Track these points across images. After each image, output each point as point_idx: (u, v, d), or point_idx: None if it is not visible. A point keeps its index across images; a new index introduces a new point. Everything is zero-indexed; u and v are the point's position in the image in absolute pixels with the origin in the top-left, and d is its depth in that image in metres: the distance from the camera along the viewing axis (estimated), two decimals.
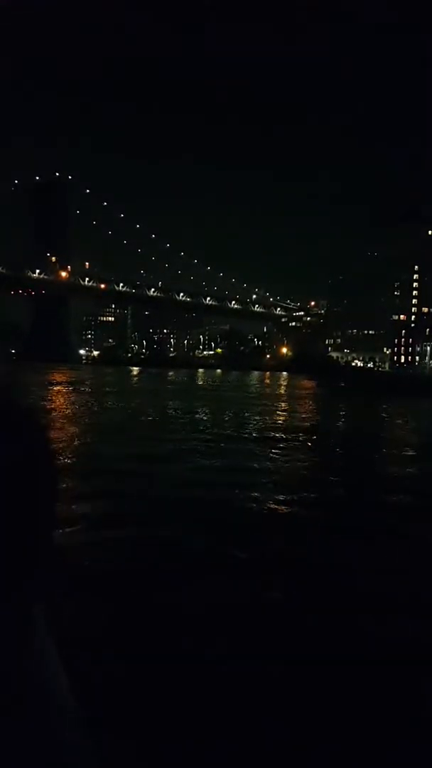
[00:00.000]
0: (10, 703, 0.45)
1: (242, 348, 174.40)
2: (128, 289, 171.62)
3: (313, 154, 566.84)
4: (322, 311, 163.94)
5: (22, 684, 0.46)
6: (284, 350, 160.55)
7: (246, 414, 24.91)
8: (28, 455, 0.46)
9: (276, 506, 8.98)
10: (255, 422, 21.87)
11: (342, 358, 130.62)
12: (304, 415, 27.21)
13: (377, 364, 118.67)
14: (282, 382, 74.01)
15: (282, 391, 50.37)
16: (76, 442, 14.65)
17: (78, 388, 40.20)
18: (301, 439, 17.67)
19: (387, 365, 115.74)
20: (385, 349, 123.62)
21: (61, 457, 11.74)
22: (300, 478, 11.68)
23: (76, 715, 0.50)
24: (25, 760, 0.44)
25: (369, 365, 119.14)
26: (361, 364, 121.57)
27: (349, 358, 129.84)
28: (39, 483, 0.46)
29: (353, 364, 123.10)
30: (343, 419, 27.94)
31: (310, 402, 38.89)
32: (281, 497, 9.53)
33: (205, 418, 22.94)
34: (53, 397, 29.35)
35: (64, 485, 9.18)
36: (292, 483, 10.97)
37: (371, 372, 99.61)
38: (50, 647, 0.51)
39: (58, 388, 38.93)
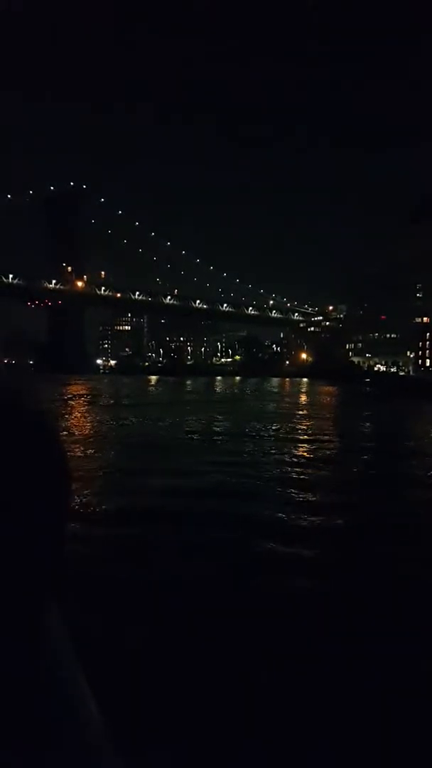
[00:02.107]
0: (21, 711, 0.44)
1: (260, 354, 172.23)
2: (144, 298, 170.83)
3: (329, 157, 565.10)
4: (341, 315, 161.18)
5: (33, 691, 0.45)
6: (303, 356, 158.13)
7: (275, 427, 22.95)
8: (41, 458, 0.46)
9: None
10: (288, 439, 19.86)
11: (363, 362, 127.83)
12: (334, 430, 25.13)
13: (400, 368, 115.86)
14: (303, 389, 71.79)
15: (305, 399, 48.21)
16: (98, 469, 12.81)
17: (96, 401, 38.59)
18: (339, 462, 15.64)
19: (411, 369, 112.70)
20: (408, 353, 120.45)
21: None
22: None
23: (94, 722, 0.49)
24: None
25: (392, 369, 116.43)
26: (384, 369, 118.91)
27: (371, 362, 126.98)
28: (52, 484, 0.47)
29: (375, 368, 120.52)
30: (375, 428, 25.82)
31: (337, 411, 36.80)
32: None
33: (236, 439, 20.93)
34: (71, 413, 27.69)
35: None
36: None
37: (396, 377, 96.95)
38: (66, 651, 0.51)
39: (76, 402, 37.37)
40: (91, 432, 19.92)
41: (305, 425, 24.27)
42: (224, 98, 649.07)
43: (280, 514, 9.13)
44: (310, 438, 19.62)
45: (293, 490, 11.08)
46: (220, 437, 19.86)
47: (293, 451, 16.57)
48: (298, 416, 29.19)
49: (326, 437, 20.33)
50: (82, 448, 15.48)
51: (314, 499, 10.51)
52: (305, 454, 16.21)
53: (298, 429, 22.60)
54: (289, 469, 13.62)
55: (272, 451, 16.32)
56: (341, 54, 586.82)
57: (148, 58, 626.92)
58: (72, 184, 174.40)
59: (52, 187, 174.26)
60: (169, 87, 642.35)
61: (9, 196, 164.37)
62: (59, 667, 0.49)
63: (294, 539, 7.81)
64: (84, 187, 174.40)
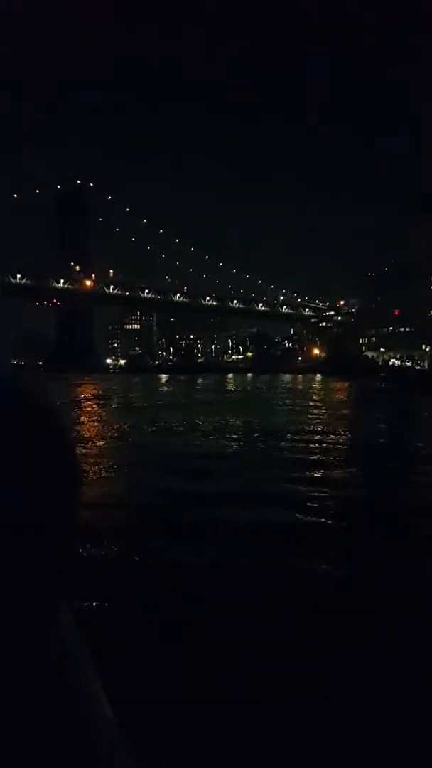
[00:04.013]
0: (32, 708, 0.44)
1: (271, 351, 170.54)
2: (153, 296, 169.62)
3: (336, 147, 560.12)
4: (353, 310, 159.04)
5: (43, 692, 0.45)
6: (316, 351, 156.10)
7: (297, 429, 21.31)
8: (51, 455, 0.46)
9: None
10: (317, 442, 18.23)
11: (377, 357, 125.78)
12: (358, 433, 23.40)
13: (416, 362, 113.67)
14: (317, 386, 69.87)
15: (321, 398, 46.36)
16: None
17: (108, 403, 37.09)
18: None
19: (426, 363, 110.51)
20: (423, 346, 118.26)
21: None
22: None
23: (106, 720, 0.49)
24: None
25: (407, 363, 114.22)
26: (399, 363, 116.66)
27: (386, 357, 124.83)
28: (61, 481, 0.47)
29: (390, 363, 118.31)
30: (400, 431, 24.18)
31: (357, 411, 35.05)
32: None
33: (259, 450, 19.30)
34: (83, 419, 26.17)
35: None
36: None
37: (413, 371, 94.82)
38: (78, 649, 0.50)
39: (87, 404, 35.91)
40: (107, 441, 18.30)
41: (329, 428, 22.57)
42: (229, 96, 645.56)
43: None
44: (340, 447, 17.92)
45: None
46: (247, 440, 18.23)
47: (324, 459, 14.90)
48: (320, 418, 27.46)
49: (352, 443, 18.69)
50: (99, 463, 13.82)
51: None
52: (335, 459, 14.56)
53: (322, 433, 20.89)
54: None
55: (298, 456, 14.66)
56: (343, 51, 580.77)
57: (151, 56, 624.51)
58: (79, 182, 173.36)
59: (59, 186, 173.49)
60: (176, 84, 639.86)
61: (15, 195, 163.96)
62: (70, 664, 0.49)
63: None
64: (91, 185, 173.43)
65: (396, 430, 23.03)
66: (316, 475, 12.20)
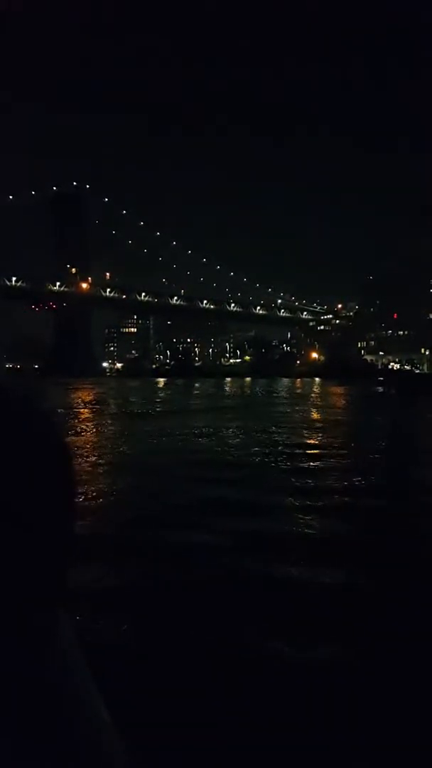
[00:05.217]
0: (30, 717, 0.43)
1: (270, 354, 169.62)
2: (150, 299, 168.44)
3: (337, 148, 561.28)
4: (352, 313, 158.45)
5: (44, 700, 0.45)
6: (314, 355, 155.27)
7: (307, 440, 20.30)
8: (46, 461, 0.46)
9: None
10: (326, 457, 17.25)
11: (377, 361, 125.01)
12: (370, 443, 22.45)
13: (415, 365, 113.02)
14: (318, 390, 69.02)
15: (323, 403, 45.43)
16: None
17: (105, 409, 35.98)
18: None
19: (426, 366, 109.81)
20: (422, 350, 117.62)
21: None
22: None
23: (104, 727, 0.49)
24: None
25: (406, 367, 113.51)
26: (398, 367, 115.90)
27: (384, 360, 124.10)
28: (58, 489, 0.47)
29: (389, 366, 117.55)
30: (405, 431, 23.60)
31: (365, 414, 34.16)
32: None
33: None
34: (79, 428, 25.05)
35: None
36: None
37: (413, 375, 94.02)
38: (77, 659, 0.50)
39: (82, 411, 34.79)
40: (106, 451, 17.19)
41: (339, 434, 21.57)
42: (229, 98, 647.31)
43: None
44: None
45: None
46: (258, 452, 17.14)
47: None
48: (328, 425, 26.49)
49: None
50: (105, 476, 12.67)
51: None
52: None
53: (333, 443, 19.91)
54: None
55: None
56: (344, 52, 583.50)
57: (147, 57, 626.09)
58: (75, 184, 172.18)
59: (55, 188, 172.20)
60: (171, 86, 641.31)
61: (11, 197, 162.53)
62: (68, 672, 0.48)
63: None
64: (87, 187, 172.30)
65: (402, 435, 22.64)
66: (336, 484, 11.44)
